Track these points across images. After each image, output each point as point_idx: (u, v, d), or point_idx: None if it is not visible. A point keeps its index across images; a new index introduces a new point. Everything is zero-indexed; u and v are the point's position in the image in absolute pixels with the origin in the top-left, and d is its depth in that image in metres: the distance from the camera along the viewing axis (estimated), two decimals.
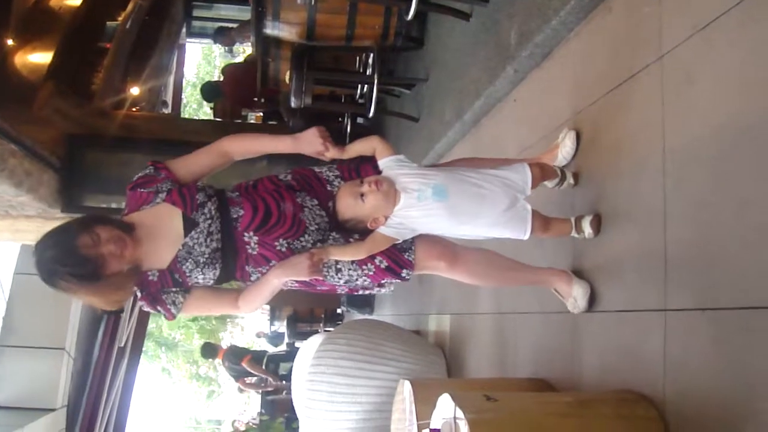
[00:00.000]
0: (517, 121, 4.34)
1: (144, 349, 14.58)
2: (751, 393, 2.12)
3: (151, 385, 32.12)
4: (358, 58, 7.21)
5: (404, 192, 2.84)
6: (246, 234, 2.84)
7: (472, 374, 4.93)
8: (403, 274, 3.02)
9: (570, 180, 3.29)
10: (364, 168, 3.05)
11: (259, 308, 3.48)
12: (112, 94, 9.86)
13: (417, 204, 2.84)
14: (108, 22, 11.49)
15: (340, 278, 3.00)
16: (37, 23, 10.53)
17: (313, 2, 4.67)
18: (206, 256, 2.79)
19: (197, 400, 33.74)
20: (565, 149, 3.36)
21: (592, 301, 3.09)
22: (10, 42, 9.97)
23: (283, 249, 2.85)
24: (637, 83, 2.89)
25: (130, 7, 11.35)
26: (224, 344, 19.22)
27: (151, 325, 20.84)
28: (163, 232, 2.82)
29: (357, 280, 3.01)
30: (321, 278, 2.96)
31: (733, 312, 2.23)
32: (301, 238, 2.87)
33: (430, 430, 2.67)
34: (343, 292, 3.16)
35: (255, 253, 2.86)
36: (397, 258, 2.98)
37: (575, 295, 3.14)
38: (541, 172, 3.11)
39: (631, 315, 2.80)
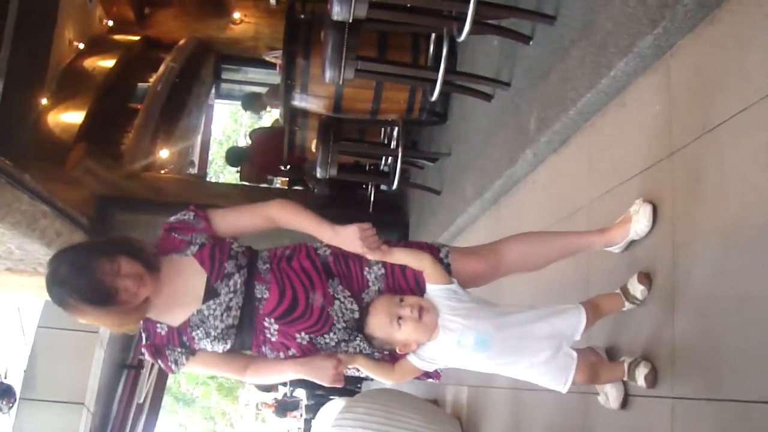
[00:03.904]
0: (535, 202, 4.45)
1: (162, 404, 14.60)
2: None
3: None
4: (383, 129, 7.36)
5: (443, 330, 2.60)
6: (267, 319, 2.67)
7: None
8: (431, 380, 2.91)
9: (638, 293, 2.85)
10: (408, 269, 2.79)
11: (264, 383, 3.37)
12: (141, 156, 10.02)
13: (455, 348, 2.60)
14: (139, 84, 11.73)
15: (360, 374, 2.89)
16: (70, 83, 10.78)
17: (341, 81, 4.81)
18: (219, 330, 2.65)
19: None
20: (638, 225, 2.92)
21: (625, 403, 2.92)
22: (44, 101, 10.21)
23: (304, 342, 2.68)
24: (648, 177, 3.00)
25: (161, 68, 11.58)
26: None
27: (170, 381, 20.81)
28: (183, 289, 2.67)
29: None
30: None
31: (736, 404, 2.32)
32: (326, 336, 2.68)
33: None
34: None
35: (274, 339, 2.70)
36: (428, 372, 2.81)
37: (608, 393, 2.96)
38: (595, 314, 2.76)
39: (641, 400, 2.84)
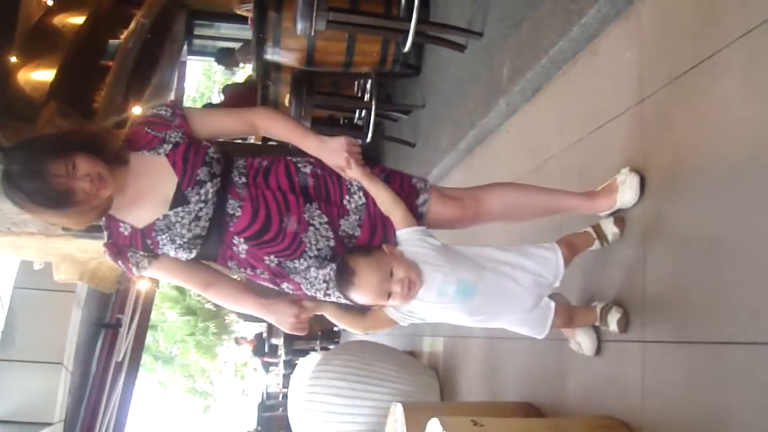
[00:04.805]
0: (509, 152, 4.46)
1: (141, 362, 14.63)
2: (722, 422, 2.24)
3: (148, 398, 32.05)
4: (356, 83, 7.32)
5: (424, 280, 2.45)
6: (236, 238, 2.56)
7: (463, 395, 5.04)
8: None
9: (610, 235, 2.87)
10: (393, 177, 2.73)
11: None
12: (114, 113, 9.93)
13: (435, 299, 2.48)
14: (110, 41, 11.58)
15: (326, 298, 2.76)
16: (39, 41, 10.61)
17: (312, 33, 4.77)
18: (185, 239, 2.53)
19: (193, 414, 33.66)
20: (624, 197, 2.83)
21: (599, 350, 2.96)
22: (13, 59, 10.06)
23: (272, 265, 2.59)
24: (619, 125, 3.02)
25: (132, 25, 11.41)
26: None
27: (148, 339, 20.80)
28: (151, 190, 2.54)
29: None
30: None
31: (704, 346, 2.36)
32: (296, 261, 2.57)
33: None
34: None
35: (242, 257, 2.60)
36: None
37: (581, 341, 2.97)
38: (570, 252, 2.72)
39: (613, 345, 2.90)
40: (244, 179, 2.60)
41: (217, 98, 20.19)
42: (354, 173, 2.61)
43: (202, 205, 2.51)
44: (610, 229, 2.83)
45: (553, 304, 2.64)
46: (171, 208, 2.51)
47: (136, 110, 11.08)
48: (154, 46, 11.91)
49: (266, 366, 17.66)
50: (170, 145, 2.56)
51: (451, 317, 2.59)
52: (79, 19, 11.27)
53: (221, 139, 2.95)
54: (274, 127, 2.75)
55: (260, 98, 7.89)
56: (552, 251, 2.64)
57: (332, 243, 2.59)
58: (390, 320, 2.60)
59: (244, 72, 15.20)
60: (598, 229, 2.86)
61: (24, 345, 9.29)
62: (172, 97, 15.16)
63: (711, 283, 2.35)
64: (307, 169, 2.67)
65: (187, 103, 22.46)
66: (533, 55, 3.74)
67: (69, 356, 9.51)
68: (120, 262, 2.61)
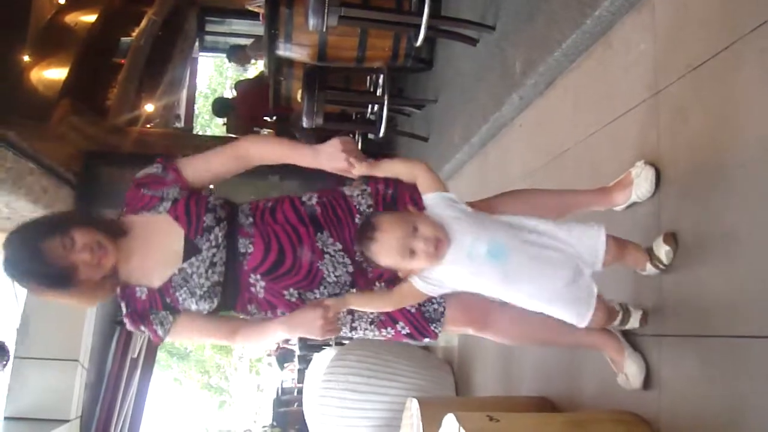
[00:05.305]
0: (522, 146, 4.44)
1: (156, 359, 14.63)
2: (739, 416, 2.23)
3: (163, 394, 32.21)
4: (368, 77, 7.32)
5: (452, 243, 2.28)
6: (252, 275, 2.50)
7: (479, 390, 5.04)
8: (424, 341, 2.78)
9: (662, 257, 2.60)
10: (401, 196, 2.58)
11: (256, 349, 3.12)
12: (126, 110, 9.96)
13: (466, 262, 2.29)
14: (122, 38, 11.61)
15: (353, 335, 2.73)
16: (52, 39, 10.66)
17: (324, 29, 4.76)
18: (204, 288, 2.47)
19: (208, 410, 33.80)
20: (640, 190, 2.78)
21: (647, 381, 2.75)
22: (26, 58, 10.10)
23: (293, 299, 2.53)
24: (633, 118, 3.00)
25: (144, 22, 11.45)
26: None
27: None
28: (159, 249, 2.50)
29: (372, 338, 2.74)
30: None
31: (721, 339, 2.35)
32: (315, 290, 2.52)
33: None
34: None
35: (261, 297, 2.54)
36: (423, 329, 2.67)
37: (628, 372, 2.77)
38: (618, 248, 2.48)
39: (629, 338, 2.87)
40: (251, 219, 2.56)
41: (230, 94, 20.20)
42: (360, 170, 2.51)
43: (214, 250, 2.47)
44: (661, 248, 2.59)
45: (596, 289, 2.36)
46: (184, 260, 2.47)
47: (149, 107, 11.12)
48: (165, 43, 11.96)
49: (281, 361, 17.66)
50: (169, 202, 2.51)
51: (484, 286, 2.38)
52: (91, 17, 11.32)
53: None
54: (263, 150, 2.68)
55: (272, 94, 7.90)
56: (595, 229, 2.38)
57: (350, 269, 2.54)
58: (418, 293, 2.39)
59: (256, 68, 15.21)
60: (650, 251, 2.62)
61: (39, 343, 9.31)
62: (184, 93, 15.21)
63: (727, 277, 2.34)
64: (313, 201, 2.61)
65: (198, 99, 22.52)
66: (546, 49, 3.71)
67: (85, 353, 9.53)
68: (143, 328, 2.53)
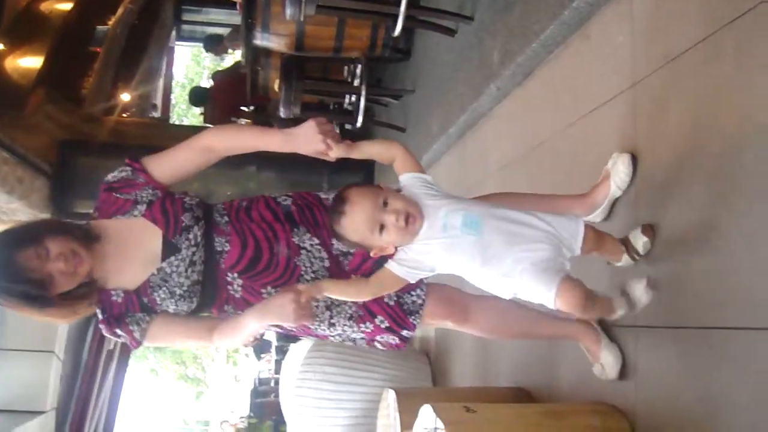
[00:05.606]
0: (500, 137, 4.45)
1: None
2: (714, 407, 2.24)
3: (140, 385, 32.07)
4: (346, 67, 7.30)
5: (427, 218, 2.23)
6: (229, 274, 2.48)
7: (456, 381, 5.04)
8: (404, 334, 2.68)
9: (639, 247, 2.57)
10: None
11: (233, 347, 3.02)
12: (102, 99, 9.89)
13: (441, 235, 2.22)
14: (98, 26, 11.51)
15: (332, 332, 2.65)
16: (27, 27, 10.55)
17: (302, 18, 4.74)
18: (185, 288, 2.44)
19: (185, 401, 33.73)
20: (618, 177, 2.75)
21: (623, 371, 2.75)
22: (0, 46, 10.00)
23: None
24: (611, 109, 3.00)
25: (120, 11, 11.37)
26: None
27: None
28: (136, 251, 2.46)
29: (351, 335, 2.67)
30: (309, 327, 2.58)
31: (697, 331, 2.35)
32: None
33: None
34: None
35: (238, 296, 2.51)
36: (402, 321, 2.64)
37: (604, 362, 2.77)
38: (596, 237, 2.42)
39: (606, 328, 2.87)
40: (226, 218, 2.53)
41: (207, 84, 20.11)
42: (337, 152, 2.38)
43: (194, 249, 2.45)
44: (639, 239, 2.56)
45: (569, 266, 2.27)
46: (163, 260, 2.44)
47: (125, 96, 11.04)
48: (142, 32, 11.87)
49: (258, 352, 17.62)
50: (144, 205, 2.48)
51: (459, 263, 2.27)
52: (66, 5, 11.21)
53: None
54: (228, 140, 2.59)
55: (250, 84, 7.87)
56: (574, 219, 2.34)
57: (327, 263, 2.53)
58: (396, 278, 2.29)
59: (234, 58, 15.16)
60: (626, 242, 2.59)
61: (15, 334, 9.25)
62: (161, 83, 15.13)
63: (705, 268, 2.34)
64: (288, 201, 2.60)
65: (175, 89, 22.38)
66: (524, 39, 3.71)
67: (60, 344, 9.48)
68: (119, 331, 2.47)
